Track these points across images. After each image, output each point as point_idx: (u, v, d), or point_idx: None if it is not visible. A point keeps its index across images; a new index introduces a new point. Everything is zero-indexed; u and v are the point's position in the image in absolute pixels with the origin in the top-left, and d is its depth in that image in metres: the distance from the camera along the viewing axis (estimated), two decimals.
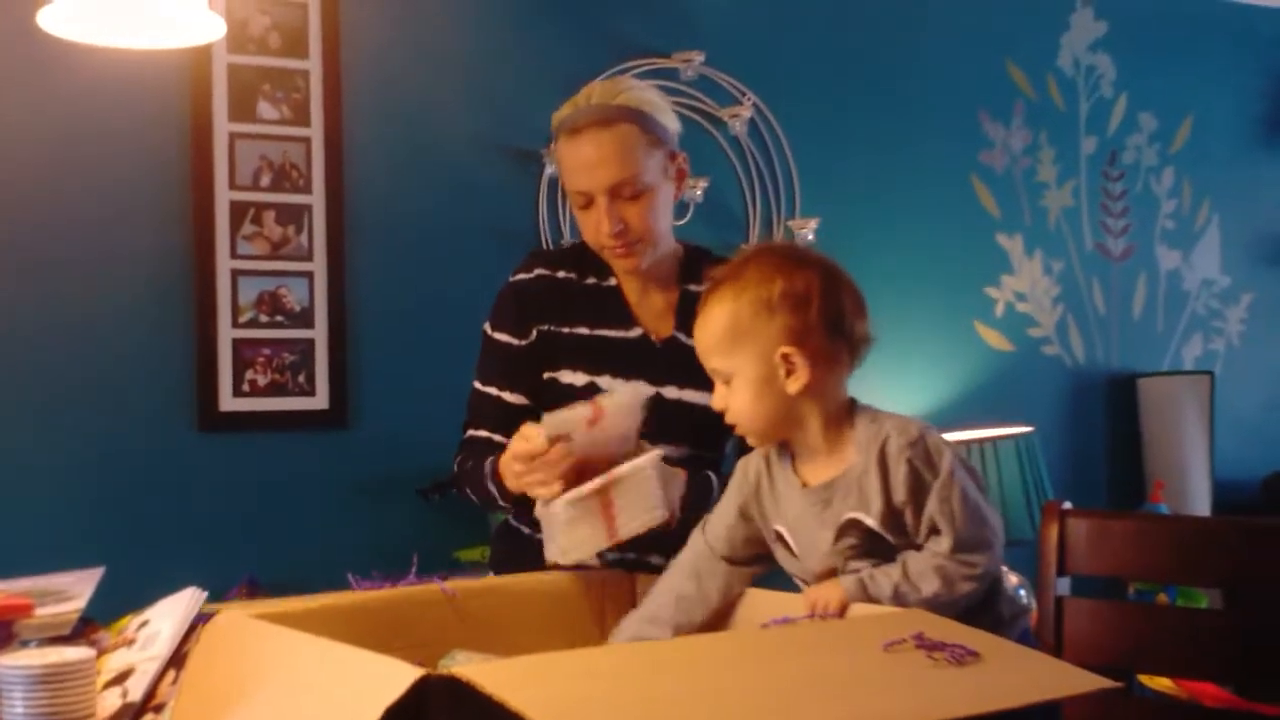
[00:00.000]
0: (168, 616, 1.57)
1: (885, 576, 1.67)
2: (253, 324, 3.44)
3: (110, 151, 3.33)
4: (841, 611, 1.66)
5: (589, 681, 1.28)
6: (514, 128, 3.76)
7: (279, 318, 3.47)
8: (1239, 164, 5.06)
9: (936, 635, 1.44)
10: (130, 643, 1.56)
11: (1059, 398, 4.71)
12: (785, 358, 1.73)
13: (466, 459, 2.29)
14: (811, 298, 1.74)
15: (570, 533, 1.94)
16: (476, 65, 3.75)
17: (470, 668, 1.22)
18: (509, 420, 2.20)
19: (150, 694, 1.46)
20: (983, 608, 1.73)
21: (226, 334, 3.41)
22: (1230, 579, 2.35)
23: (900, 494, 1.68)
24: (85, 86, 3.26)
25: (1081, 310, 4.76)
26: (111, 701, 1.45)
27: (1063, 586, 2.26)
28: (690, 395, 2.23)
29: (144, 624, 1.59)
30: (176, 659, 1.50)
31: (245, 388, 3.43)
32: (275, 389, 3.47)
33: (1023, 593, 3.62)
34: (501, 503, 2.20)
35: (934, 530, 1.68)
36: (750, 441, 1.83)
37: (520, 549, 2.28)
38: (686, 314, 2.26)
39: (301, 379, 3.50)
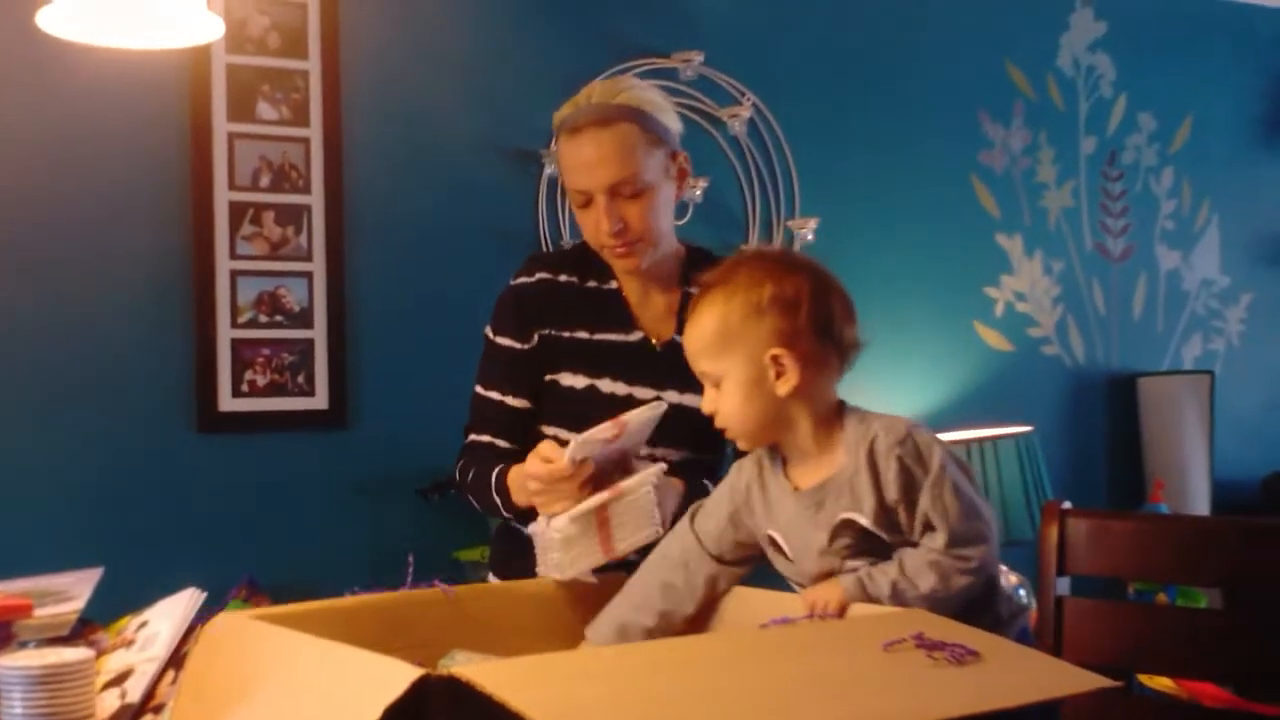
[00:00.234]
0: (167, 617, 1.57)
1: (883, 575, 1.67)
2: (252, 324, 3.44)
3: (109, 152, 3.33)
4: (841, 611, 1.66)
5: (589, 682, 1.28)
6: (513, 128, 3.76)
7: (278, 318, 3.47)
8: (1239, 164, 5.07)
9: (936, 635, 1.44)
10: (129, 643, 1.56)
11: (1059, 398, 4.71)
12: (775, 359, 1.73)
13: (469, 464, 2.29)
14: (800, 301, 1.74)
15: (567, 549, 1.93)
16: (476, 65, 3.75)
17: (470, 668, 1.22)
18: (511, 424, 2.20)
19: (149, 695, 1.46)
20: (982, 607, 1.73)
21: (226, 334, 3.41)
22: (1230, 579, 2.35)
23: (892, 492, 1.69)
24: (84, 87, 3.26)
25: (1081, 310, 4.76)
26: (110, 702, 1.45)
27: (1062, 586, 2.26)
28: (690, 399, 2.22)
29: (143, 625, 1.59)
30: (175, 660, 1.50)
31: (244, 388, 3.43)
32: (274, 389, 3.47)
33: (1022, 592, 3.62)
34: (504, 513, 2.20)
35: (928, 527, 1.68)
36: (740, 445, 1.83)
37: (520, 550, 2.27)
38: (687, 316, 2.26)
39: (301, 379, 3.50)
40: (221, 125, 3.42)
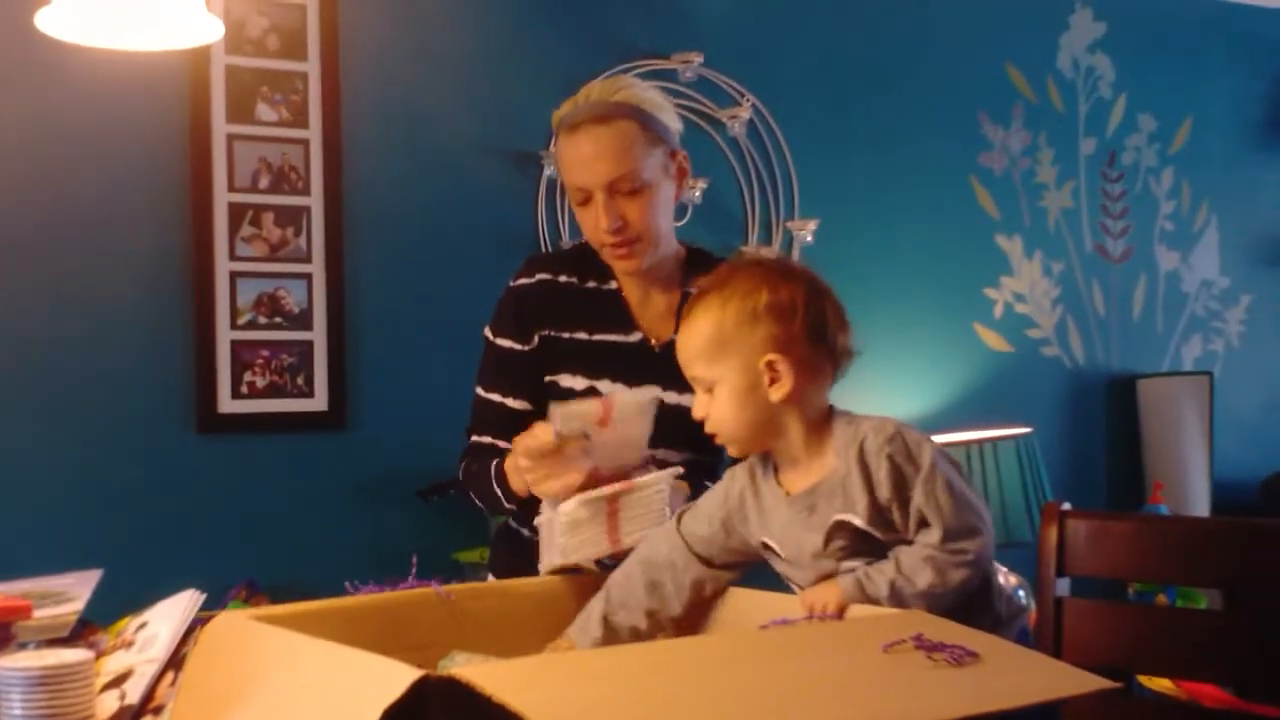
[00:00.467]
0: (166, 618, 1.56)
1: (880, 574, 1.67)
2: (251, 326, 3.44)
3: (108, 153, 3.33)
4: (840, 613, 1.66)
5: (588, 683, 1.28)
6: (513, 129, 3.76)
7: (278, 319, 3.47)
8: (1238, 165, 5.07)
9: (936, 636, 1.43)
10: (129, 645, 1.56)
11: (1058, 399, 4.71)
12: (770, 365, 1.73)
13: (471, 464, 2.29)
14: (796, 308, 1.75)
15: (574, 533, 1.94)
16: (475, 66, 3.75)
17: (469, 669, 1.22)
18: (513, 426, 2.20)
19: (148, 696, 1.46)
20: (981, 606, 1.73)
21: (225, 336, 3.41)
22: (1230, 580, 2.35)
23: (884, 491, 1.69)
24: (83, 88, 3.26)
25: (1081, 311, 4.76)
26: (110, 704, 1.45)
27: (1062, 587, 2.26)
28: (690, 400, 2.22)
29: (142, 626, 1.59)
30: (175, 661, 1.50)
31: (244, 389, 3.43)
32: (274, 391, 3.47)
33: (1022, 593, 3.62)
34: (507, 504, 2.20)
35: (923, 523, 1.68)
36: (730, 451, 1.82)
37: (520, 551, 2.28)
38: None
39: (300, 381, 3.50)
40: (221, 127, 3.42)
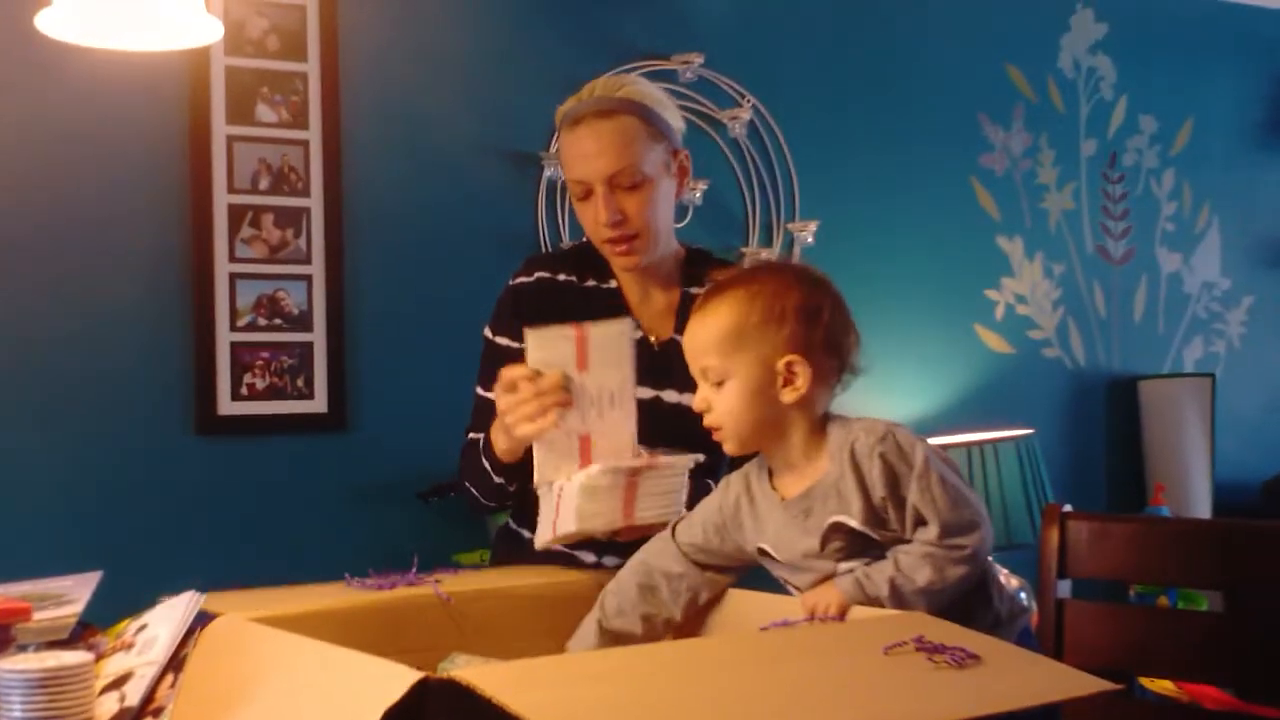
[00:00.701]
0: (166, 620, 1.56)
1: (880, 573, 1.68)
2: (251, 327, 3.44)
3: (108, 154, 3.33)
4: (841, 614, 1.66)
5: (589, 685, 1.28)
6: (513, 130, 3.76)
7: (277, 321, 3.47)
8: (1239, 166, 5.07)
9: (937, 638, 1.43)
10: (128, 647, 1.56)
11: (1060, 400, 4.71)
12: (789, 366, 1.74)
13: (465, 460, 2.29)
14: (822, 315, 1.76)
15: (590, 500, 1.93)
16: (475, 67, 3.75)
17: (469, 671, 1.22)
18: None
19: (148, 698, 1.45)
20: (982, 606, 1.73)
21: (225, 337, 3.41)
22: (1231, 582, 2.35)
23: (879, 490, 1.69)
24: (83, 89, 3.26)
25: (1082, 313, 4.76)
26: (109, 706, 1.45)
27: (1063, 589, 2.26)
28: (690, 399, 2.22)
29: (142, 628, 1.58)
30: (175, 663, 1.49)
31: (244, 391, 3.43)
32: (274, 392, 3.47)
33: (1024, 595, 3.62)
34: (495, 477, 2.18)
35: (920, 521, 1.69)
36: (727, 448, 1.81)
37: (521, 552, 2.28)
38: (686, 316, 2.26)
39: (300, 382, 3.49)
40: (220, 128, 3.41)
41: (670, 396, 2.24)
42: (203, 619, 1.55)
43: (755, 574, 1.88)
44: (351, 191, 3.56)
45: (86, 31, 2.17)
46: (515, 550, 2.30)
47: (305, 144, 3.50)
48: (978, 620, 1.69)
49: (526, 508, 2.30)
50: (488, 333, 2.32)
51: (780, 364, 1.74)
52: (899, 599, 1.65)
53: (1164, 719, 2.58)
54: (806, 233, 4.11)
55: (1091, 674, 1.41)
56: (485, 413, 2.30)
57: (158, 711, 1.43)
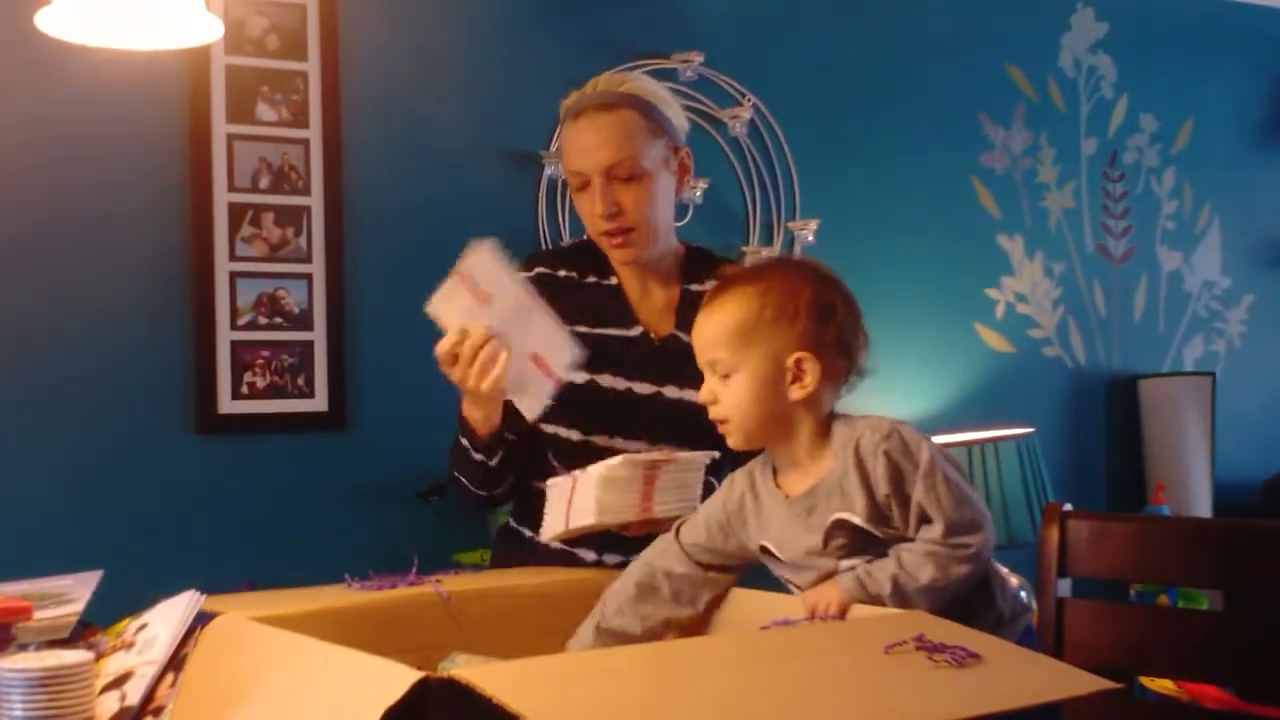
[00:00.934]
0: (166, 620, 1.56)
1: (882, 571, 1.68)
2: (251, 326, 3.44)
3: (108, 153, 3.33)
4: (841, 613, 1.66)
5: (589, 684, 1.28)
6: (513, 129, 3.76)
7: (278, 320, 3.47)
8: (1240, 165, 5.07)
9: (937, 637, 1.43)
10: (129, 646, 1.56)
11: (1060, 399, 4.70)
12: (798, 363, 1.74)
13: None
14: (834, 315, 1.77)
15: (609, 491, 1.94)
16: (475, 67, 3.75)
17: (470, 670, 1.22)
18: (507, 419, 2.20)
19: (148, 697, 1.45)
20: (985, 606, 1.73)
21: (225, 336, 3.41)
22: (1231, 581, 2.35)
23: (882, 488, 1.69)
24: (83, 88, 3.26)
25: (1082, 311, 4.76)
26: (110, 705, 1.45)
27: (1064, 588, 2.26)
28: (690, 395, 2.22)
29: (142, 627, 1.58)
30: (175, 662, 1.49)
31: (244, 390, 3.43)
32: (274, 391, 3.47)
33: (1024, 594, 3.61)
34: (474, 454, 2.18)
35: (924, 519, 1.69)
36: (730, 441, 1.81)
37: (521, 551, 2.28)
38: (687, 313, 2.26)
39: (300, 381, 3.49)
40: (221, 126, 3.41)
41: (671, 392, 2.24)
42: (203, 618, 1.55)
43: (756, 573, 1.88)
44: (352, 190, 3.56)
45: (86, 31, 2.17)
46: (516, 549, 2.30)
47: (305, 143, 3.50)
48: (980, 619, 1.69)
49: (527, 506, 2.30)
50: (505, 355, 2.32)
51: (790, 360, 1.74)
52: (901, 597, 1.65)
53: (1164, 718, 2.57)
54: (807, 231, 4.11)
55: (1092, 673, 1.41)
56: None
57: (158, 711, 1.43)
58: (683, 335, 2.26)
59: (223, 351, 3.41)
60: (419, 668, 1.22)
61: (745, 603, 1.83)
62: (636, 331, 2.28)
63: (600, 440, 2.23)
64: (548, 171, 3.76)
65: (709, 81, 4.03)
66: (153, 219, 3.37)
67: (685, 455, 2.01)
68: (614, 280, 2.31)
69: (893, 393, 4.14)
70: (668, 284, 2.32)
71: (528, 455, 2.26)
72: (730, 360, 1.77)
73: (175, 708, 1.42)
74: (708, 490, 2.19)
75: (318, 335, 3.51)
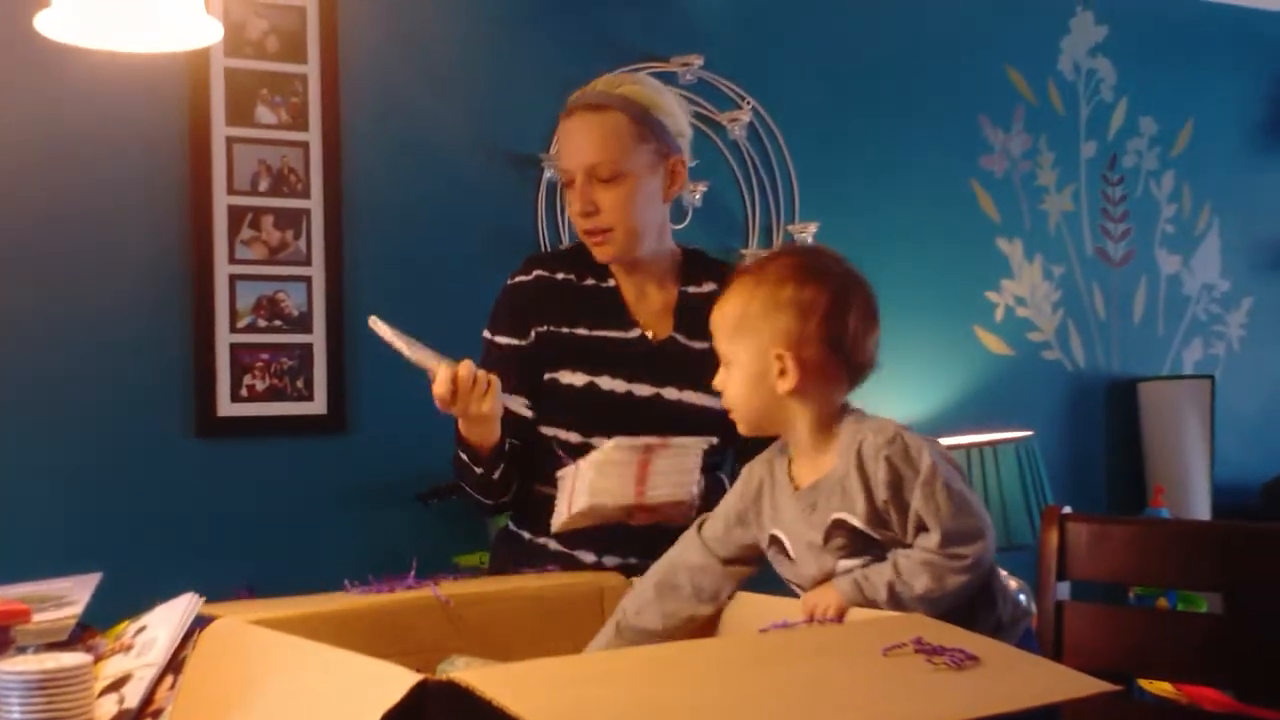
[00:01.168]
0: (165, 622, 1.56)
1: (879, 576, 1.68)
2: (251, 329, 3.44)
3: (107, 156, 3.33)
4: (840, 616, 1.66)
5: (588, 686, 1.28)
6: (513, 132, 3.76)
7: (277, 322, 3.47)
8: (1240, 168, 5.06)
9: (935, 639, 1.43)
10: (127, 649, 1.56)
11: (1059, 402, 4.70)
12: (778, 358, 1.75)
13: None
14: (814, 311, 1.77)
15: (603, 475, 1.97)
16: (475, 69, 3.75)
17: (469, 673, 1.22)
18: (509, 423, 2.20)
19: (147, 700, 1.45)
20: (984, 610, 1.73)
21: (224, 339, 3.41)
22: (1230, 584, 2.35)
23: (882, 492, 1.70)
24: (82, 90, 3.26)
25: (1082, 314, 4.76)
26: (108, 708, 1.45)
27: (1063, 591, 2.26)
28: (689, 396, 2.23)
29: (141, 630, 1.58)
30: (174, 665, 1.49)
31: (243, 393, 3.43)
32: (274, 394, 3.46)
33: (1023, 597, 3.61)
34: (476, 469, 2.19)
35: (921, 527, 1.69)
36: (739, 428, 1.85)
37: (521, 554, 2.28)
38: (684, 315, 2.27)
39: (300, 384, 3.49)
40: (220, 129, 3.41)
41: (670, 393, 2.24)
42: (202, 621, 1.55)
43: (758, 575, 1.89)
44: (351, 193, 3.56)
45: (86, 32, 2.17)
46: (515, 552, 2.31)
47: (305, 145, 3.50)
48: (980, 623, 1.69)
49: (526, 510, 2.31)
50: (487, 334, 2.33)
51: (771, 355, 1.76)
52: (897, 604, 1.65)
53: None
54: (806, 234, 4.11)
55: (1091, 676, 1.41)
56: None
57: (156, 713, 1.43)
58: (681, 337, 2.27)
59: (222, 354, 3.40)
60: (418, 670, 1.22)
61: (745, 605, 1.83)
62: (635, 333, 2.28)
63: (600, 442, 2.23)
64: (547, 174, 3.76)
65: (708, 84, 4.03)
66: (152, 221, 3.37)
67: (680, 441, 2.03)
68: (611, 283, 2.31)
69: (892, 395, 4.14)
70: (664, 286, 2.32)
71: (529, 460, 2.26)
72: (727, 351, 1.81)
73: (174, 710, 1.42)
74: (716, 484, 2.20)
75: (317, 338, 3.51)
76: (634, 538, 2.14)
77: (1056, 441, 4.57)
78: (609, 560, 2.19)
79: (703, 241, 2.56)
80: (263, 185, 3.46)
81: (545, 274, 2.31)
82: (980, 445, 3.88)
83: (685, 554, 1.88)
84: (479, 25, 3.75)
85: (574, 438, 2.23)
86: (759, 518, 1.84)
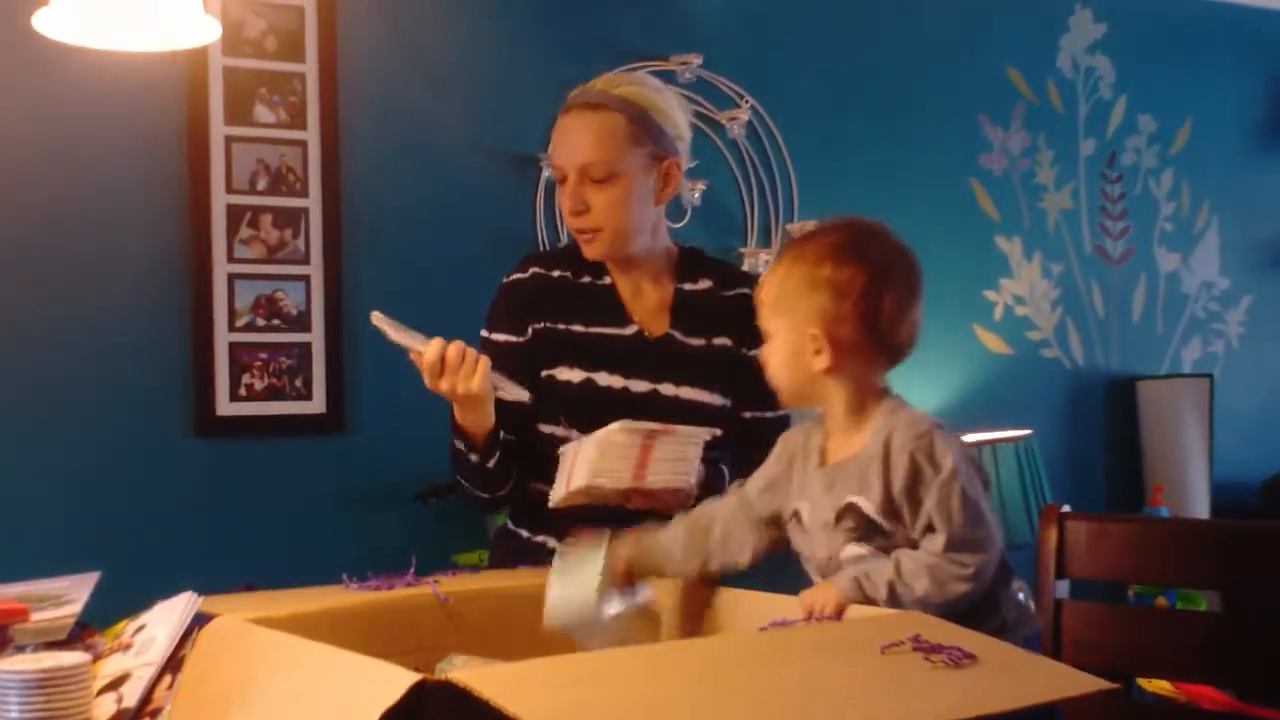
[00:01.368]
0: (164, 621, 1.56)
1: (880, 574, 1.68)
2: (249, 328, 3.44)
3: (106, 155, 3.33)
4: (838, 614, 1.66)
5: (586, 686, 1.28)
6: (511, 131, 3.76)
7: (276, 321, 3.47)
8: (1238, 166, 5.07)
9: (933, 637, 1.43)
10: (126, 648, 1.56)
11: (1058, 401, 4.70)
12: (813, 337, 1.77)
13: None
14: (851, 292, 1.77)
15: (604, 456, 1.98)
16: (473, 69, 3.75)
17: (467, 672, 1.22)
18: (506, 418, 2.20)
19: (146, 699, 1.45)
20: (987, 614, 1.73)
21: (223, 338, 3.41)
22: (1229, 582, 2.35)
23: (899, 485, 1.70)
24: (81, 90, 3.26)
25: (1081, 313, 4.76)
26: (107, 707, 1.45)
27: (1062, 589, 2.26)
28: (686, 392, 2.23)
29: (140, 629, 1.58)
30: (172, 664, 1.49)
31: (242, 392, 3.43)
32: (272, 393, 3.46)
33: (1021, 596, 3.61)
34: (470, 457, 2.19)
35: (930, 528, 1.69)
36: (781, 399, 1.87)
37: (520, 552, 2.28)
38: (681, 312, 2.28)
39: (299, 383, 3.49)
40: (219, 128, 3.41)
41: (667, 390, 2.24)
42: (200, 620, 1.55)
43: (755, 572, 1.89)
44: (349, 192, 3.56)
45: (85, 31, 2.17)
46: (514, 551, 2.30)
47: (303, 144, 3.50)
48: (983, 625, 1.68)
49: (524, 508, 2.31)
50: (484, 333, 2.33)
51: (808, 333, 1.77)
52: (896, 604, 1.66)
53: (1162, 719, 2.57)
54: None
55: (1089, 674, 1.41)
56: None
57: (155, 713, 1.43)
58: (677, 334, 2.27)
59: (221, 353, 3.41)
60: (417, 669, 1.22)
61: (742, 604, 1.83)
62: (631, 330, 2.28)
63: None
64: (546, 173, 3.76)
65: (707, 83, 4.03)
66: (151, 220, 3.37)
67: (684, 429, 2.04)
68: (607, 280, 2.31)
69: None
70: (660, 283, 2.33)
71: (525, 457, 2.26)
72: (768, 326, 1.83)
73: (173, 710, 1.42)
74: (716, 475, 2.21)
75: (315, 337, 3.51)
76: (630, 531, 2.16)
77: (1055, 440, 4.57)
78: None
79: (701, 240, 2.56)
80: (261, 184, 3.46)
81: (541, 272, 2.31)
82: (979, 444, 3.88)
83: (724, 504, 1.91)
84: (478, 24, 3.75)
85: (572, 434, 2.23)
86: (788, 486, 1.86)
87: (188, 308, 3.39)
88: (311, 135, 3.51)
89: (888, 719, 1.27)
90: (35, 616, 1.65)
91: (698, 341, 2.28)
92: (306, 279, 3.50)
